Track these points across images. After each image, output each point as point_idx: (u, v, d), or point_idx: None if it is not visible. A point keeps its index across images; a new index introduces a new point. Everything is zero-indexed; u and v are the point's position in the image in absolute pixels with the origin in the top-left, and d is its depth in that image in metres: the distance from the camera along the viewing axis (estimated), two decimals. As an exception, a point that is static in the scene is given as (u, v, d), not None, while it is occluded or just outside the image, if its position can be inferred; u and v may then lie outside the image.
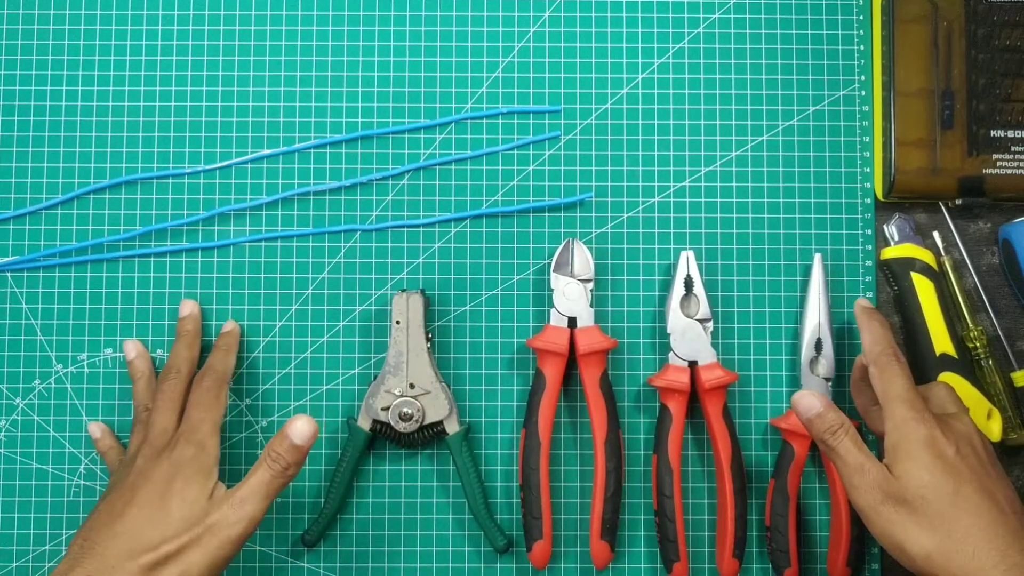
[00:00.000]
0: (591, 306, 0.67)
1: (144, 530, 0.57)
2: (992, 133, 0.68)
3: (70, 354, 0.69)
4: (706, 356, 0.67)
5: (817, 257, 0.69)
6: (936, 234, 0.70)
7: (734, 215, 0.70)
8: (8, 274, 0.69)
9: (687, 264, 0.68)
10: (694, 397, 0.68)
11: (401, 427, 0.66)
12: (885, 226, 0.70)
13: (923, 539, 0.54)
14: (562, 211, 0.70)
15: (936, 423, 0.57)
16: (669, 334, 0.67)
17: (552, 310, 0.67)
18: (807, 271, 0.69)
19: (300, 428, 0.59)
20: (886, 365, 0.60)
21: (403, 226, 0.70)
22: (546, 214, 0.70)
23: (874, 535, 0.57)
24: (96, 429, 0.67)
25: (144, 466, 0.60)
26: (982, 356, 0.68)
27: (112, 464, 0.66)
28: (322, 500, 0.68)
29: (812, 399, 0.60)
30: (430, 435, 0.67)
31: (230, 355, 0.67)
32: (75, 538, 0.58)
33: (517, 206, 0.70)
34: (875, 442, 0.68)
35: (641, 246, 0.70)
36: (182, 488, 0.58)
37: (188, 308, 0.68)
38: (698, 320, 0.68)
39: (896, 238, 0.69)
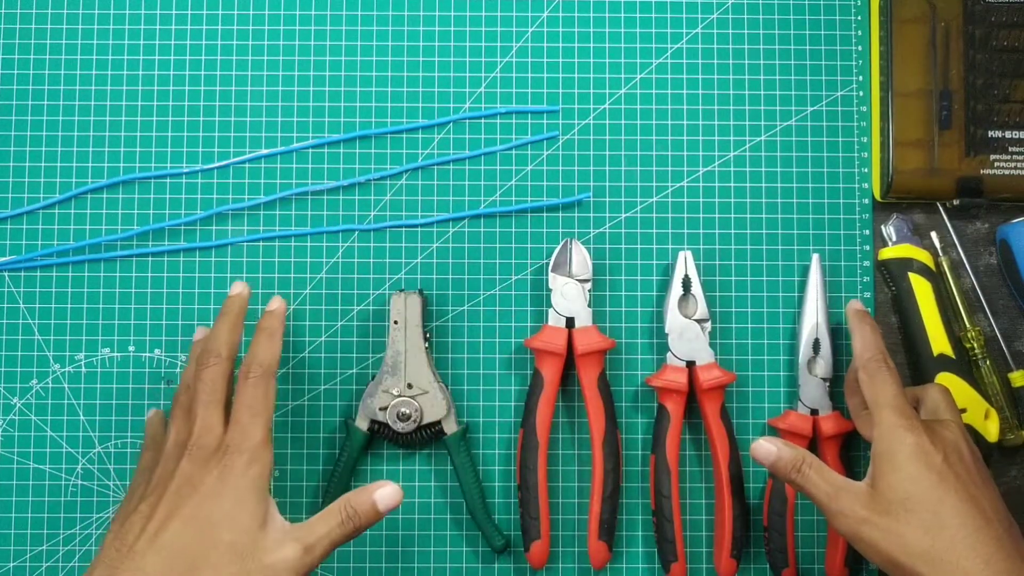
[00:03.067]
0: (589, 306, 0.67)
1: (187, 548, 0.53)
2: (990, 134, 0.68)
3: (67, 354, 0.69)
4: (704, 356, 0.67)
5: (815, 257, 0.69)
6: (934, 234, 0.70)
7: (732, 215, 0.70)
8: (6, 274, 0.69)
9: (685, 264, 0.68)
10: (692, 397, 0.68)
11: (399, 427, 0.66)
12: (883, 226, 0.70)
13: (910, 549, 0.54)
14: (560, 211, 0.70)
15: (924, 430, 0.57)
16: (667, 334, 0.67)
17: (550, 310, 0.67)
18: (805, 271, 0.69)
19: (388, 495, 0.57)
20: (875, 371, 0.60)
21: (401, 226, 0.70)
22: (544, 214, 0.70)
23: (863, 554, 0.57)
24: (155, 416, 0.65)
25: (191, 473, 0.56)
26: (979, 356, 0.68)
27: (151, 439, 0.64)
28: (320, 500, 0.68)
29: (766, 446, 0.60)
30: (428, 435, 0.67)
31: (274, 341, 0.61)
32: (110, 537, 0.55)
33: (515, 206, 0.70)
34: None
35: (639, 246, 0.70)
36: (233, 510, 0.54)
37: (237, 288, 0.64)
38: (696, 320, 0.68)
39: (894, 238, 0.69)
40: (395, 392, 0.66)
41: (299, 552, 0.54)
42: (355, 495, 0.57)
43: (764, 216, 0.70)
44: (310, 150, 0.70)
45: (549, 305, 0.67)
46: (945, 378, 0.66)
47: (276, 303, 0.64)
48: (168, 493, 0.55)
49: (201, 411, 0.58)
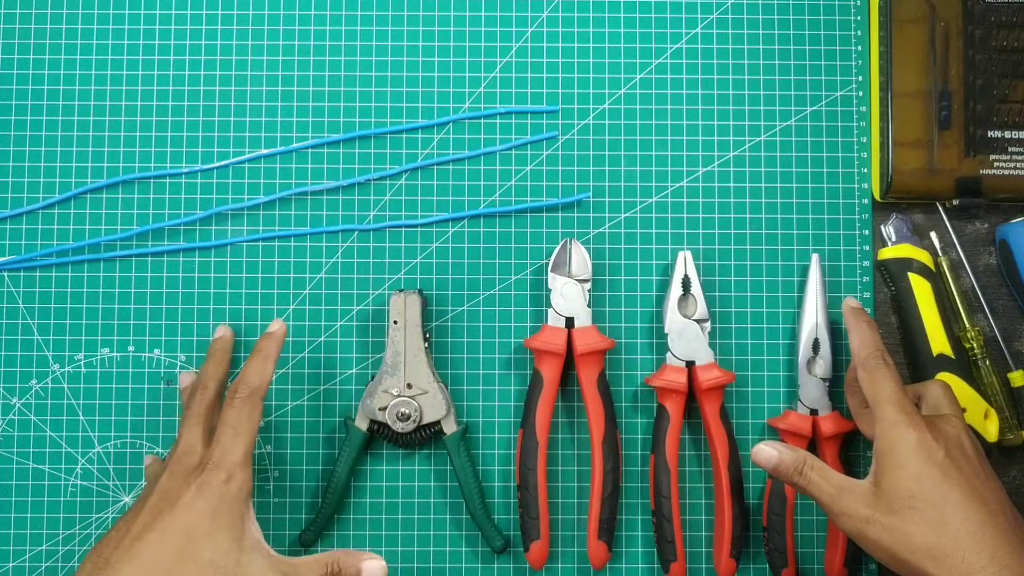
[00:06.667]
0: (589, 306, 0.67)
1: (163, 561, 0.54)
2: (989, 134, 0.68)
3: (67, 354, 0.69)
4: (703, 356, 0.67)
5: (815, 257, 0.69)
6: (933, 234, 0.70)
7: (732, 215, 0.70)
8: (5, 274, 0.69)
9: (684, 264, 0.68)
10: (692, 397, 0.68)
11: (399, 427, 0.66)
12: (882, 226, 0.70)
13: (915, 546, 0.55)
14: (560, 211, 0.70)
15: (926, 426, 0.57)
16: (667, 334, 0.68)
17: (550, 310, 0.67)
18: (805, 271, 0.69)
19: (375, 569, 0.58)
20: (875, 368, 0.60)
21: (401, 226, 0.70)
22: (544, 214, 0.70)
23: (868, 553, 0.57)
24: (152, 462, 0.65)
25: (169, 488, 0.56)
26: (979, 356, 0.68)
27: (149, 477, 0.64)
28: (319, 500, 0.68)
29: (767, 450, 0.60)
30: (428, 435, 0.67)
31: (267, 363, 0.62)
32: (89, 557, 0.55)
33: (515, 206, 0.70)
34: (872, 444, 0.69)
35: (639, 246, 0.70)
36: (210, 527, 0.55)
37: (220, 332, 0.66)
38: (696, 320, 0.68)
39: (893, 238, 0.69)
40: (395, 392, 0.66)
41: None
42: (345, 556, 0.58)
43: (764, 216, 0.70)
44: (310, 150, 0.70)
45: (549, 305, 0.67)
46: (945, 378, 0.66)
47: (276, 326, 0.65)
48: (146, 507, 0.56)
49: (184, 433, 0.60)
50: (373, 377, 0.67)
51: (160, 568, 0.53)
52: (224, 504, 0.56)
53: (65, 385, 0.69)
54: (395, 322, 0.66)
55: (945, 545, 0.54)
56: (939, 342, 0.67)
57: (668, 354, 0.67)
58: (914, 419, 0.57)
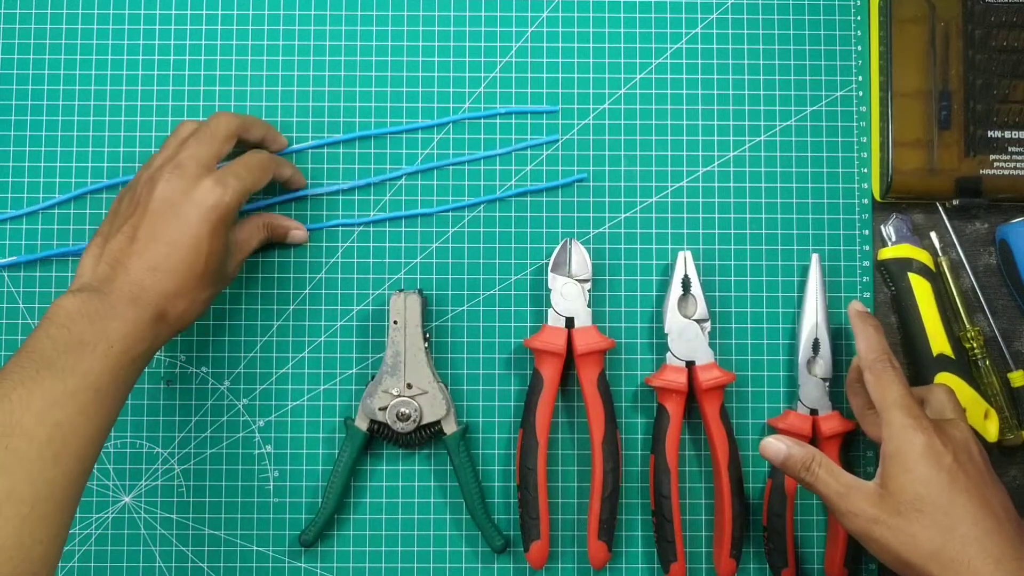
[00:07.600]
0: (589, 306, 0.67)
1: (174, 267, 0.58)
2: (989, 134, 0.68)
3: (67, 354, 0.69)
4: (704, 356, 0.67)
5: (815, 257, 0.69)
6: (933, 235, 0.70)
7: (732, 215, 0.70)
8: (5, 274, 0.69)
9: (685, 264, 0.68)
10: (692, 397, 0.68)
11: (399, 427, 0.66)
12: (882, 226, 0.70)
13: (921, 550, 0.54)
14: (560, 211, 0.70)
15: (934, 430, 0.57)
16: (667, 334, 0.68)
17: (550, 310, 0.67)
18: (805, 271, 0.69)
19: (299, 238, 0.69)
20: (881, 371, 0.60)
21: (400, 216, 0.70)
22: (544, 214, 0.70)
23: (873, 554, 0.57)
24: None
25: (170, 196, 0.59)
26: (979, 356, 0.68)
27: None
28: (320, 500, 0.68)
29: (776, 444, 0.60)
30: (428, 435, 0.67)
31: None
32: (93, 253, 0.59)
33: (514, 190, 0.70)
34: (872, 444, 0.69)
35: (639, 246, 0.70)
36: (211, 246, 0.59)
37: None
38: (696, 320, 0.68)
39: (893, 238, 0.69)
40: (395, 392, 0.66)
41: (241, 263, 0.65)
42: (275, 218, 0.67)
43: (764, 216, 0.70)
44: (310, 150, 0.70)
45: (549, 305, 0.67)
46: (945, 378, 0.66)
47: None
48: (148, 214, 0.59)
49: (194, 143, 0.62)
50: (373, 377, 0.67)
51: (172, 274, 0.58)
52: (221, 221, 0.60)
53: (65, 385, 0.68)
54: (395, 322, 0.66)
55: (951, 550, 0.54)
56: (939, 342, 0.67)
57: (668, 354, 0.67)
58: (922, 423, 0.57)
